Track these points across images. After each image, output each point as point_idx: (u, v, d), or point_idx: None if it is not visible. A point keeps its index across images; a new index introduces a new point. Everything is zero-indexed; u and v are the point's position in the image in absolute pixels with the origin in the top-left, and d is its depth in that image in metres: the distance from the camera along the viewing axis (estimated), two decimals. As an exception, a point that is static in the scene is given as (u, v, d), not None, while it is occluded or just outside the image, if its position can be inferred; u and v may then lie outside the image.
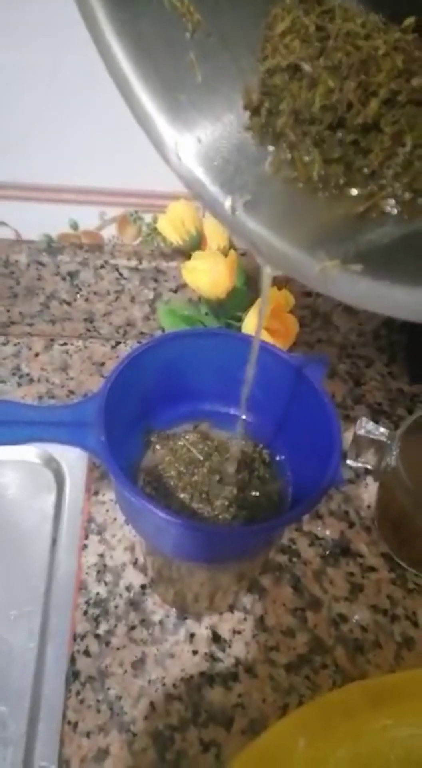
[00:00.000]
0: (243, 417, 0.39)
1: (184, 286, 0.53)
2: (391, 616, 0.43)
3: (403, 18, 0.24)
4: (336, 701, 0.27)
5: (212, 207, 0.24)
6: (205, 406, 0.40)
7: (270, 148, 0.25)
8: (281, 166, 0.25)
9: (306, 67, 0.23)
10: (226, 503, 0.35)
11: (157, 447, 0.38)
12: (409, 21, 0.23)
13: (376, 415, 0.57)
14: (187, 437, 0.38)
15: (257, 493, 0.36)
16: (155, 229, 0.51)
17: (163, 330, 0.54)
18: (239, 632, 0.42)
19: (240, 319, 0.48)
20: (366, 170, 0.23)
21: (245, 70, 0.25)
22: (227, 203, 0.24)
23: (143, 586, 0.43)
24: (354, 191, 0.24)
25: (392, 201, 0.23)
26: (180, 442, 0.38)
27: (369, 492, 0.50)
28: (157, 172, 0.50)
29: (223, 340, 0.38)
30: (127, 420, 0.36)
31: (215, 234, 0.50)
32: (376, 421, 0.49)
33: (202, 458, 0.37)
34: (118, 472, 0.29)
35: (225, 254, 0.46)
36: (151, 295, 0.55)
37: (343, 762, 0.27)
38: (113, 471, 0.29)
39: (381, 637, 0.42)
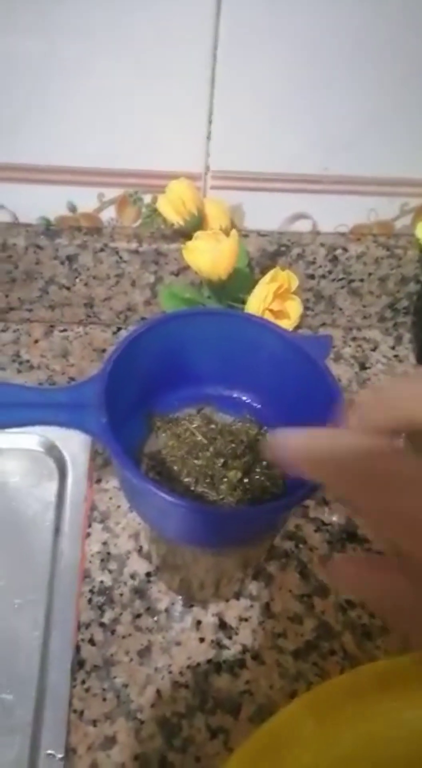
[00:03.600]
0: (247, 399, 0.39)
1: (186, 268, 0.52)
2: (400, 601, 0.42)
3: None
4: (344, 683, 0.27)
5: None
6: (208, 389, 0.39)
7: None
8: None
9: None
10: (231, 487, 0.34)
11: (160, 431, 0.37)
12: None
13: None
14: (190, 421, 0.37)
15: (262, 477, 0.35)
16: (155, 210, 0.50)
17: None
18: (246, 619, 0.41)
19: (243, 302, 0.47)
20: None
21: None
22: None
23: (148, 574, 0.42)
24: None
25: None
26: (183, 426, 0.37)
27: (376, 476, 0.49)
28: (155, 150, 0.50)
29: (225, 320, 0.37)
30: (128, 404, 0.35)
31: (217, 214, 0.49)
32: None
33: (205, 442, 0.36)
34: (121, 454, 0.28)
35: (227, 234, 0.44)
36: (152, 279, 0.54)
37: (354, 743, 0.26)
38: (115, 453, 0.28)
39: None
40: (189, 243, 0.45)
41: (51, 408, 0.29)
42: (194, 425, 0.37)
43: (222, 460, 0.35)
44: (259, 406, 0.38)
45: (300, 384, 0.35)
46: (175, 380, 0.38)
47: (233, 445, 0.36)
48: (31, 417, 0.29)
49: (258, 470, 0.35)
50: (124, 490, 0.35)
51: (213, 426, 0.37)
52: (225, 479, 0.34)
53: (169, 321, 0.36)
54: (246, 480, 0.35)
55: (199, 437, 0.36)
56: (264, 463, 0.36)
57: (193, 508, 0.28)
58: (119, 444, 0.28)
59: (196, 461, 0.35)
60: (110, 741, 0.35)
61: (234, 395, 0.39)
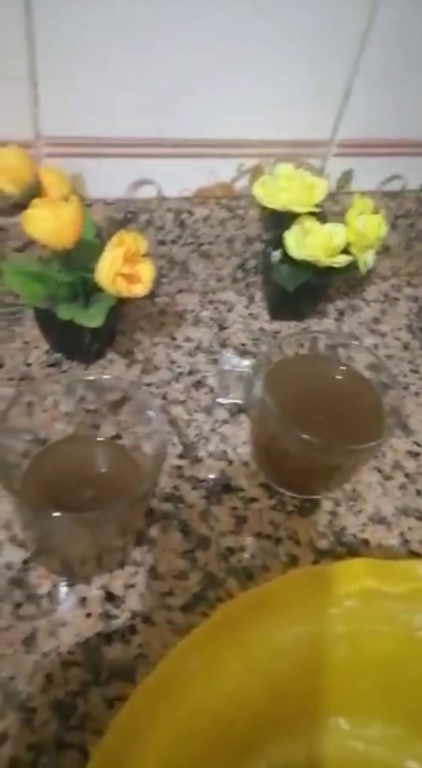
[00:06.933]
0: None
1: (32, 243, 0.49)
2: (275, 539, 0.45)
3: None
4: (217, 619, 0.28)
5: None
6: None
7: None
8: None
9: None
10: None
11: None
12: None
13: (242, 355, 0.58)
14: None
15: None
16: (-13, 181, 0.47)
17: (16, 295, 0.50)
18: (132, 586, 0.41)
19: (93, 271, 0.46)
20: None
21: None
22: None
23: (25, 561, 0.40)
24: None
25: None
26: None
27: (244, 429, 0.52)
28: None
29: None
30: None
31: (55, 181, 0.47)
32: (242, 360, 0.50)
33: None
34: None
35: (67, 200, 0.43)
36: (-6, 257, 0.51)
37: (240, 674, 0.28)
38: None
39: (269, 560, 0.44)
40: (27, 212, 0.42)
41: None
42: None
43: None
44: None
45: None
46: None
47: None
48: None
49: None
50: None
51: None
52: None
53: None
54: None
55: None
56: None
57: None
58: None
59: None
60: (1, 738, 0.34)
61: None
